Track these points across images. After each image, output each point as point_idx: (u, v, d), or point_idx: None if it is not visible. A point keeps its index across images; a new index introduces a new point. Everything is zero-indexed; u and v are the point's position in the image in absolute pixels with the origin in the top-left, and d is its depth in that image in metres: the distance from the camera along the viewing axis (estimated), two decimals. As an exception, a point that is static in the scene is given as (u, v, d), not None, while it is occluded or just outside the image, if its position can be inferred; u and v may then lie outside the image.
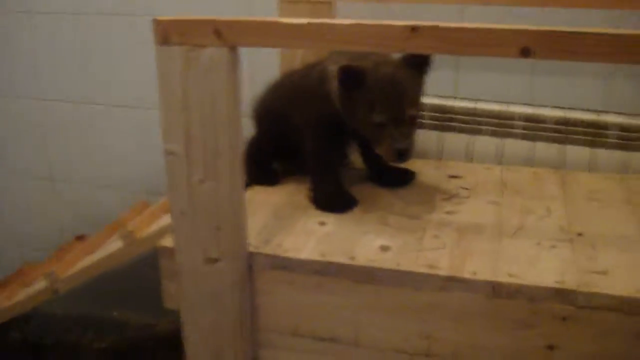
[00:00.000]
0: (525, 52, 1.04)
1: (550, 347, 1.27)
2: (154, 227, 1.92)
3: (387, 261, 1.34)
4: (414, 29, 1.07)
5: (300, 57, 1.87)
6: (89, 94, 2.49)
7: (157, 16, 1.21)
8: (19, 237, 2.83)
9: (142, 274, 2.62)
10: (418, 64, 1.53)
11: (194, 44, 1.19)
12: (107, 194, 2.61)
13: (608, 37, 1.03)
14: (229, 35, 1.17)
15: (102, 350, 2.55)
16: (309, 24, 1.13)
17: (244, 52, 1.26)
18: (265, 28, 1.16)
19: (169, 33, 1.20)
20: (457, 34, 1.07)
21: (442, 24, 1.08)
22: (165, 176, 2.40)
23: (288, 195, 1.67)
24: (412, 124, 1.50)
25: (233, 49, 1.20)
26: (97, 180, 2.61)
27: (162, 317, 2.66)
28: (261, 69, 2.00)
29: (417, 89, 1.54)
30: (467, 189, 1.70)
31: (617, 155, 1.86)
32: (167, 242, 1.44)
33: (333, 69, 1.53)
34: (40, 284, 2.14)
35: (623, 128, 1.84)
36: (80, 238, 2.48)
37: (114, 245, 1.97)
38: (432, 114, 1.95)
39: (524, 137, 1.91)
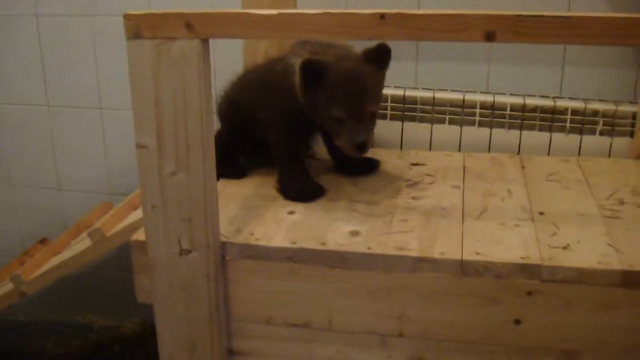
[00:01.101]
0: (489, 37, 1.08)
1: (517, 321, 1.32)
2: (123, 224, 1.92)
3: (357, 245, 1.37)
4: (382, 16, 1.11)
5: (263, 49, 1.90)
6: (47, 96, 2.47)
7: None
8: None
9: (104, 277, 2.62)
10: (379, 59, 1.55)
11: (165, 37, 1.21)
12: (67, 196, 2.60)
13: (568, 19, 1.08)
14: (200, 28, 1.19)
15: (66, 354, 2.54)
16: (279, 14, 1.16)
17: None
18: (236, 19, 1.19)
19: (140, 27, 1.21)
20: (424, 20, 1.11)
21: (409, 11, 1.12)
22: (126, 176, 2.43)
23: (256, 187, 1.69)
24: (372, 119, 1.54)
25: (204, 41, 1.22)
26: (57, 183, 2.59)
27: (127, 318, 2.66)
28: (225, 62, 2.02)
29: (377, 84, 1.57)
30: (430, 175, 1.75)
31: (572, 138, 1.93)
32: (140, 235, 1.45)
33: (296, 62, 1.56)
34: (6, 287, 2.12)
35: (577, 113, 1.91)
36: (43, 242, 2.46)
37: (82, 244, 1.97)
38: (394, 104, 1.99)
39: (483, 124, 1.96)
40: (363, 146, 1.50)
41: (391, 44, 1.52)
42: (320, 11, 1.15)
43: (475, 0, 1.90)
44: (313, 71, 1.50)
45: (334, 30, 1.16)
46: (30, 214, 2.67)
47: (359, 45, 1.53)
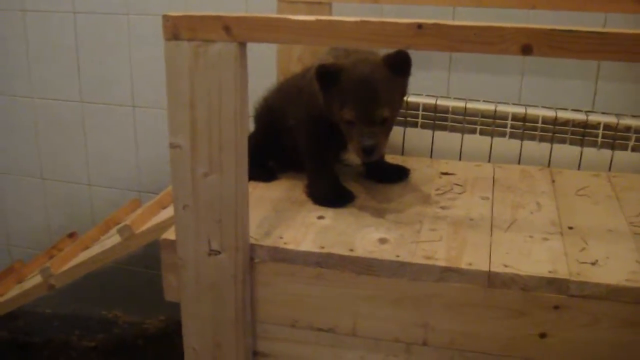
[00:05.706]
0: (526, 50, 1.08)
1: (543, 335, 1.31)
2: (152, 222, 1.94)
3: (385, 253, 1.38)
4: (419, 26, 1.11)
5: (297, 54, 1.91)
6: (81, 92, 2.50)
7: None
8: (7, 234, 2.84)
9: (130, 273, 2.65)
10: (397, 65, 1.53)
11: (203, 39, 1.22)
12: (97, 192, 2.63)
13: (604, 35, 1.08)
14: (238, 31, 1.20)
15: (90, 348, 2.56)
16: (317, 20, 1.17)
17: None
18: (273, 24, 1.20)
19: (178, 28, 1.23)
20: (461, 31, 1.11)
21: (446, 22, 1.12)
22: (156, 174, 2.45)
23: (286, 191, 1.70)
24: (383, 124, 1.51)
25: (242, 44, 1.23)
26: (87, 179, 2.62)
27: (151, 315, 2.69)
28: (258, 65, 2.02)
29: (392, 90, 1.54)
30: (459, 185, 1.75)
31: (604, 153, 1.92)
32: (170, 234, 1.46)
33: None
34: (35, 280, 2.14)
35: (609, 128, 1.90)
36: (71, 236, 2.49)
37: (112, 240, 1.98)
38: (425, 112, 2.00)
39: (514, 136, 1.96)
40: (371, 150, 1.49)
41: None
42: (357, 19, 1.16)
43: (508, 12, 1.89)
44: (327, 74, 1.51)
45: (370, 38, 1.16)
46: (59, 208, 2.70)
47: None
